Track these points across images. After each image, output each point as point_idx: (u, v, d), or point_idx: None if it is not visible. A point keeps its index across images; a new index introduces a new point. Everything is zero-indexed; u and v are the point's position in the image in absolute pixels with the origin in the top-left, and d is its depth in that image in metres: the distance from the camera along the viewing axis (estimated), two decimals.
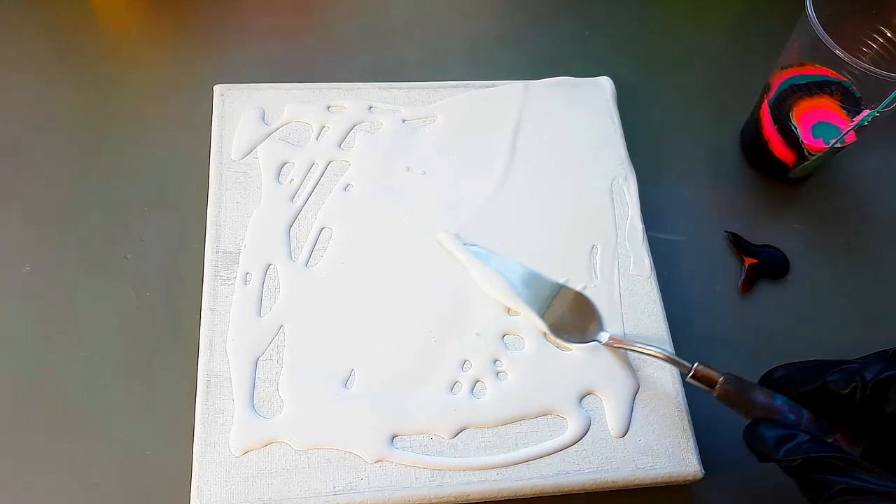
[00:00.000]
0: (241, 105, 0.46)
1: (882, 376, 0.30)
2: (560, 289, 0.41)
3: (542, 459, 0.37)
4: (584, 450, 0.37)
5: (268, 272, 0.40)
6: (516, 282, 0.40)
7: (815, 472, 0.29)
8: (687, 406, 0.39)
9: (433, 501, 0.36)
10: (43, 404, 0.38)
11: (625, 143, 0.47)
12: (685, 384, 0.39)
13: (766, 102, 0.47)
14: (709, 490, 0.39)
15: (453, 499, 0.36)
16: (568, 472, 0.37)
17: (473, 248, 0.41)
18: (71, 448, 0.37)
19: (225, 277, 0.40)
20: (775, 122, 0.47)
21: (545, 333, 0.40)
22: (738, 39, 0.57)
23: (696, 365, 0.35)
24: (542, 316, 0.40)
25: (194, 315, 0.40)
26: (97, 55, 0.50)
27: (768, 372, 0.34)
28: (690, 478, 0.37)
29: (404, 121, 0.46)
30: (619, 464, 0.37)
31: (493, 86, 0.48)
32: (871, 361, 0.31)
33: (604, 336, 0.39)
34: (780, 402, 0.33)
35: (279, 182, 0.43)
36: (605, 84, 0.49)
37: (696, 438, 0.38)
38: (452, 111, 0.47)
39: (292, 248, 0.41)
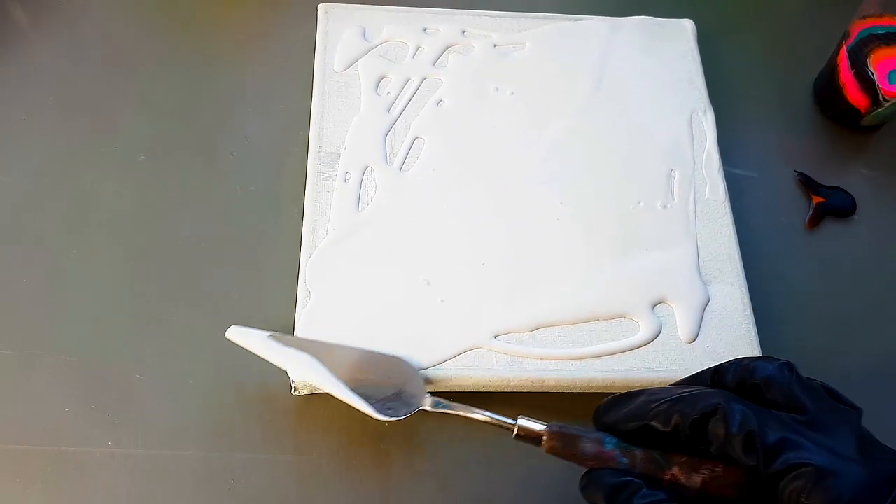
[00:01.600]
0: (343, 23, 0.49)
1: (698, 413, 0.29)
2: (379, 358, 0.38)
3: (614, 356, 0.39)
4: (655, 351, 0.40)
5: (365, 173, 0.43)
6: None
7: None
8: (754, 320, 0.41)
9: (512, 384, 0.39)
10: (157, 280, 0.42)
11: (704, 82, 0.49)
12: (752, 301, 0.42)
13: (844, 48, 0.49)
14: None
15: (530, 384, 0.39)
16: (639, 369, 0.39)
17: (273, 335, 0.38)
18: (181, 316, 0.41)
19: (326, 174, 0.43)
20: (852, 67, 0.48)
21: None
22: None
23: (518, 421, 0.33)
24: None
25: (295, 209, 0.43)
26: None
27: (596, 411, 0.33)
28: None
29: (495, 45, 0.49)
30: (687, 365, 0.39)
31: (579, 19, 0.51)
32: (693, 393, 0.30)
33: (426, 401, 0.36)
34: (610, 447, 0.31)
35: (377, 93, 0.46)
36: (687, 26, 0.51)
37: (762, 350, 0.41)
38: (541, 40, 0.49)
39: (388, 153, 0.44)
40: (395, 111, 0.46)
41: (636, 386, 0.39)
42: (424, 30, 0.49)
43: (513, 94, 0.47)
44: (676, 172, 0.45)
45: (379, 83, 0.47)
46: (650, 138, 0.46)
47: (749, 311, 0.41)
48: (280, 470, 0.38)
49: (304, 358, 0.37)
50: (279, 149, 0.46)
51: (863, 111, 0.49)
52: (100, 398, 0.39)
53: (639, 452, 0.31)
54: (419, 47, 0.48)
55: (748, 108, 0.51)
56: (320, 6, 0.49)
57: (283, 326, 0.39)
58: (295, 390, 0.38)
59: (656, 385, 0.38)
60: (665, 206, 0.44)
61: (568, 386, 0.39)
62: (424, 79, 0.47)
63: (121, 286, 0.42)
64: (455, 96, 0.47)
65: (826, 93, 0.52)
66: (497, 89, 0.47)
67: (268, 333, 0.37)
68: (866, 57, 0.48)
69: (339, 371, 0.36)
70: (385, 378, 0.37)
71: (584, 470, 0.31)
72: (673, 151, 0.46)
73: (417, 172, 0.44)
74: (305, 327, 0.38)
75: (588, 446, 0.31)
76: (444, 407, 0.36)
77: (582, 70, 0.48)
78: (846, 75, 0.49)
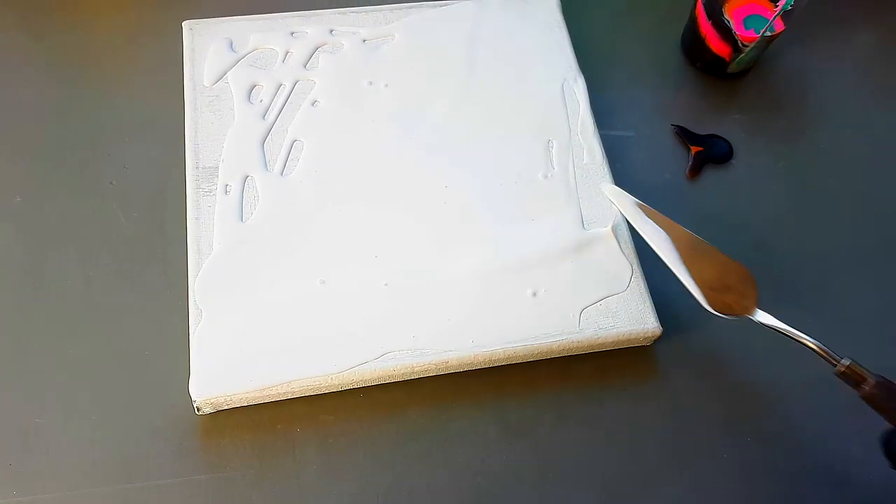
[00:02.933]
0: (209, 37, 0.48)
1: None
2: (720, 257, 0.40)
3: (509, 328, 0.40)
4: (545, 315, 0.41)
5: (246, 182, 0.43)
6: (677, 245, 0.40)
7: None
8: (642, 271, 0.42)
9: (416, 370, 0.39)
10: (47, 316, 0.41)
11: (572, 50, 0.50)
12: (641, 255, 0.43)
13: (700, 1, 0.51)
14: (667, 349, 0.43)
15: (434, 367, 0.39)
16: (536, 337, 0.40)
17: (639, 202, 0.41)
18: (75, 352, 0.40)
19: (206, 189, 0.43)
20: (710, 18, 0.50)
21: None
22: None
23: (846, 362, 0.35)
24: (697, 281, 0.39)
25: (180, 229, 0.42)
26: (66, 2, 0.52)
27: None
28: (650, 335, 0.41)
29: (364, 40, 0.49)
30: (583, 325, 0.40)
31: (445, 5, 0.51)
32: None
33: (762, 316, 0.38)
34: None
35: (250, 102, 0.46)
36: None
37: (654, 302, 0.42)
38: (409, 29, 0.50)
39: (267, 160, 0.44)
40: (271, 117, 0.46)
41: (536, 354, 0.40)
42: (292, 34, 0.49)
43: (387, 86, 0.47)
44: (554, 142, 0.46)
45: (251, 92, 0.46)
46: (525, 112, 0.47)
47: (637, 266, 0.42)
48: (195, 491, 0.38)
49: (662, 235, 0.40)
50: (159, 171, 0.46)
51: (727, 59, 0.51)
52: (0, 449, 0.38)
53: None
54: (288, 52, 0.48)
55: (620, 71, 0.53)
56: (184, 23, 0.49)
57: (178, 349, 0.39)
58: (198, 410, 0.38)
59: (554, 352, 0.40)
60: (546, 177, 0.45)
61: (469, 364, 0.40)
62: (297, 82, 0.47)
63: (9, 331, 0.41)
64: (329, 95, 0.47)
65: (691, 46, 0.53)
66: (371, 83, 0.47)
67: (635, 200, 0.41)
68: (721, 6, 0.49)
69: (686, 256, 0.39)
70: (720, 276, 0.39)
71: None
72: (548, 122, 0.47)
73: (299, 175, 0.44)
74: (199, 346, 0.38)
75: None
76: (774, 325, 0.37)
77: (452, 54, 0.49)
78: (706, 26, 0.51)
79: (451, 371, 0.40)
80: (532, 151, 0.46)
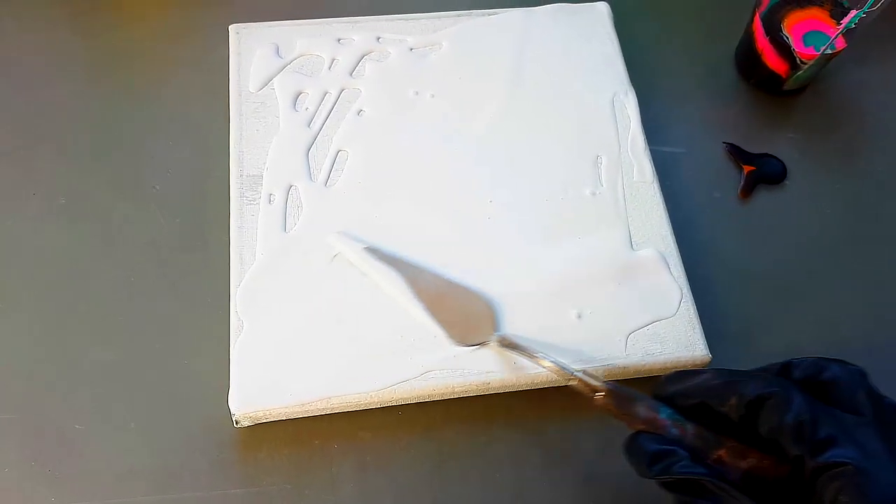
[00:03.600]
0: (255, 42, 0.48)
1: (755, 395, 0.29)
2: (460, 291, 0.40)
3: (553, 350, 0.39)
4: (593, 339, 0.40)
5: (290, 192, 0.43)
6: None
7: (685, 493, 0.29)
8: (692, 295, 0.41)
9: (456, 390, 0.38)
10: (86, 320, 0.41)
11: (623, 63, 0.49)
12: (690, 277, 0.42)
13: (757, 16, 0.49)
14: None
15: (475, 387, 0.38)
16: (581, 360, 0.39)
17: (369, 247, 0.40)
18: (114, 358, 0.40)
19: (250, 198, 0.42)
20: (767, 34, 0.49)
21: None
22: None
23: (578, 373, 0.35)
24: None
25: (222, 236, 0.42)
26: (112, 4, 0.52)
27: (659, 382, 0.33)
28: (699, 362, 0.40)
29: (411, 49, 0.48)
30: (630, 350, 0.39)
31: (493, 14, 0.50)
32: (755, 377, 0.30)
33: (493, 339, 0.38)
34: (664, 415, 0.31)
35: (295, 110, 0.45)
36: (602, 9, 0.51)
37: (703, 327, 0.41)
38: (457, 38, 0.49)
39: (311, 169, 0.44)
40: (316, 126, 0.45)
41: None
42: (338, 40, 0.48)
43: (433, 96, 0.47)
44: (603, 158, 0.45)
45: (296, 99, 0.46)
46: (574, 126, 0.46)
47: (687, 290, 0.41)
48: None
49: (394, 275, 0.40)
50: (202, 177, 0.45)
51: (783, 76, 0.50)
52: (39, 454, 0.38)
53: (690, 427, 0.31)
54: (334, 59, 0.47)
55: (671, 85, 0.52)
56: (231, 27, 0.48)
57: (218, 359, 0.39)
58: (237, 423, 0.38)
59: (599, 373, 0.39)
60: (594, 194, 0.44)
61: (512, 385, 0.39)
62: (343, 90, 0.46)
63: (50, 335, 0.41)
64: (375, 105, 0.46)
65: (746, 61, 0.52)
66: (417, 93, 0.47)
67: (364, 245, 0.40)
68: (780, 22, 0.48)
69: (422, 293, 0.39)
70: (459, 309, 0.39)
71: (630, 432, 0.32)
72: (597, 137, 0.46)
73: (343, 186, 0.43)
74: (240, 358, 0.38)
75: (642, 410, 0.32)
76: (510, 347, 0.38)
77: (500, 64, 0.48)
78: (762, 42, 0.49)
79: (493, 392, 0.39)
80: (580, 167, 0.45)
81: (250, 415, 0.37)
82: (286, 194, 0.43)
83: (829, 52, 0.47)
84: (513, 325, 0.39)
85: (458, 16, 0.50)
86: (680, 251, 0.43)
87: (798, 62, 0.48)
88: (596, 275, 0.41)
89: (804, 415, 0.28)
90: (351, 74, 0.47)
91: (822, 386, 0.30)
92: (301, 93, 0.46)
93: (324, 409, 0.38)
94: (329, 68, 0.47)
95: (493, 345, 0.38)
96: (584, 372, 0.35)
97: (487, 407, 0.40)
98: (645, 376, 0.40)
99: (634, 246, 0.42)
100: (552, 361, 0.36)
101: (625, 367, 0.39)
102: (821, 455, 0.27)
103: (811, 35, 0.47)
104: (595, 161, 0.45)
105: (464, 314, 0.39)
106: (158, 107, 0.48)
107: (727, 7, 0.55)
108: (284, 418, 0.38)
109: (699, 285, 0.42)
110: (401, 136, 0.45)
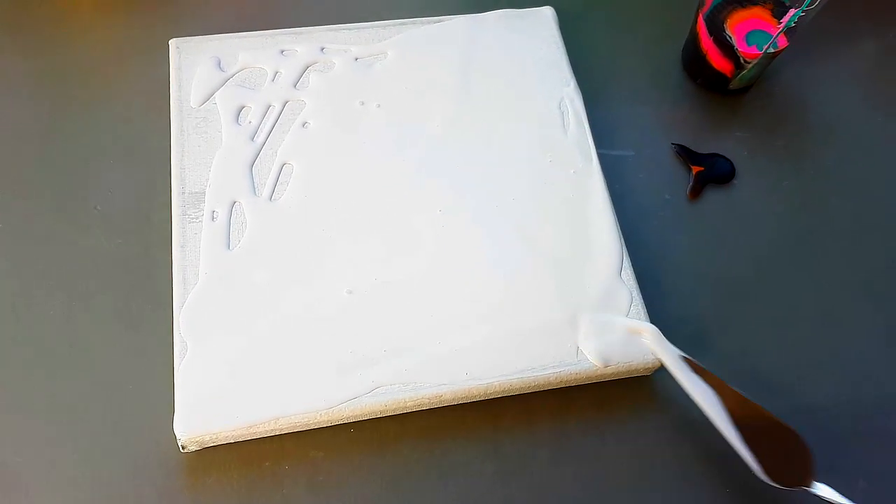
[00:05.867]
0: (196, 56, 0.47)
1: None
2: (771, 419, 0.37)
3: (504, 359, 0.39)
4: (544, 346, 0.39)
5: (234, 208, 0.42)
6: None
7: None
8: (643, 299, 0.41)
9: (409, 405, 0.38)
10: (26, 345, 0.40)
11: (570, 67, 0.49)
12: (641, 279, 0.42)
13: (700, 16, 0.49)
14: (668, 378, 0.41)
15: (427, 401, 0.38)
16: (532, 368, 0.39)
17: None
18: (56, 385, 0.39)
19: (192, 216, 0.41)
20: (711, 34, 0.49)
21: None
22: None
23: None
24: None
25: (165, 256, 0.41)
26: (51, 21, 0.51)
27: None
28: (651, 366, 0.40)
29: (356, 59, 0.48)
30: (581, 357, 0.39)
31: (438, 21, 0.50)
32: None
33: (823, 490, 0.36)
34: None
35: (238, 124, 0.45)
36: (547, 13, 0.51)
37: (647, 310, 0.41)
38: (402, 46, 0.48)
39: (255, 184, 0.43)
40: (259, 139, 0.44)
41: (533, 386, 0.39)
42: (282, 52, 0.47)
43: (379, 106, 0.46)
44: (552, 162, 0.45)
45: (239, 113, 0.45)
46: (522, 131, 0.46)
47: (637, 294, 0.41)
48: None
49: (708, 390, 0.37)
50: (145, 196, 0.44)
51: (728, 75, 0.50)
52: None
53: None
54: (277, 71, 0.47)
55: (619, 87, 0.52)
56: (171, 41, 0.47)
57: (163, 383, 0.38)
58: (183, 448, 0.37)
59: (555, 384, 0.38)
60: (543, 198, 0.43)
61: (464, 397, 0.38)
62: (287, 102, 0.46)
63: None
64: (320, 116, 0.45)
65: (692, 62, 0.52)
66: (363, 103, 0.46)
67: (679, 353, 0.38)
68: (723, 22, 0.48)
69: (735, 418, 0.37)
70: (772, 441, 0.37)
71: None
72: (546, 141, 0.46)
73: (288, 200, 0.43)
74: (184, 381, 0.37)
75: None
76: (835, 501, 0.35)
77: (447, 72, 0.48)
78: (707, 42, 0.49)
79: (446, 405, 0.39)
80: (529, 172, 0.44)
81: (196, 439, 0.36)
82: (230, 211, 0.42)
83: (771, 50, 0.47)
84: (463, 336, 0.39)
85: (403, 24, 0.50)
86: (630, 254, 0.42)
87: (742, 62, 0.48)
88: (544, 278, 0.41)
89: None
90: (295, 86, 0.46)
91: None
92: (244, 106, 0.45)
93: (272, 430, 0.37)
94: (272, 80, 0.46)
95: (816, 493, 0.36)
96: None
97: (441, 420, 0.39)
98: (597, 381, 0.40)
99: (582, 242, 0.42)
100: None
101: (577, 374, 0.39)
102: None
103: (754, 34, 0.48)
104: (544, 165, 0.45)
105: (779, 450, 0.37)
106: (100, 125, 0.47)
107: (673, 8, 0.55)
108: (232, 441, 0.37)
109: (650, 288, 0.42)
110: (347, 148, 0.44)
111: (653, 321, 0.40)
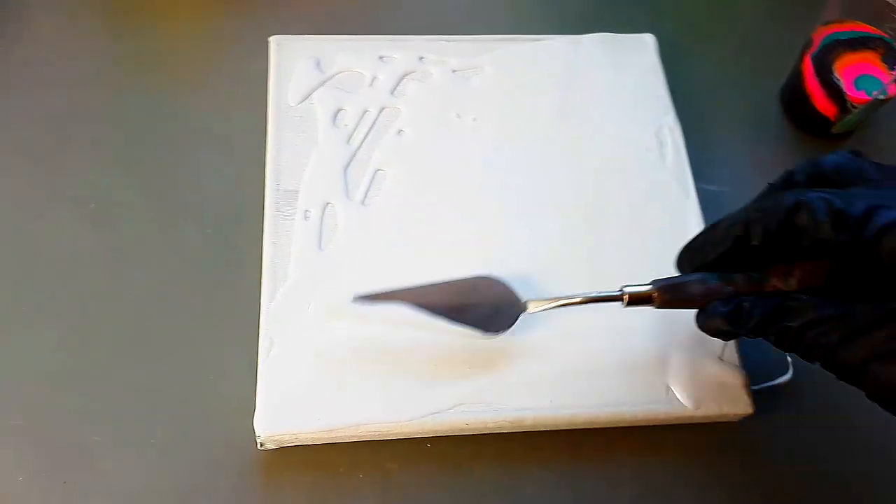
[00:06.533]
0: (296, 55, 0.47)
1: (783, 215, 0.30)
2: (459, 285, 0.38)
3: (592, 391, 0.38)
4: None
5: (326, 209, 0.42)
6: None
7: (774, 325, 0.31)
8: (736, 343, 0.40)
9: (489, 425, 0.37)
10: (111, 330, 0.40)
11: (669, 96, 0.48)
12: None
13: (808, 56, 0.48)
14: (756, 427, 0.40)
15: (508, 424, 0.37)
16: (620, 404, 0.38)
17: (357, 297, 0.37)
18: (137, 371, 0.39)
19: (285, 213, 0.41)
20: (818, 76, 0.48)
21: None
22: (774, 3, 0.58)
23: (624, 289, 0.35)
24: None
25: (254, 250, 0.41)
26: (150, 9, 0.52)
27: (681, 258, 0.35)
28: (741, 413, 0.38)
29: (454, 71, 0.47)
30: (671, 396, 0.38)
31: (537, 40, 0.49)
32: (768, 202, 0.32)
33: (532, 305, 0.37)
34: (713, 281, 0.33)
35: (335, 126, 0.45)
36: (648, 41, 0.50)
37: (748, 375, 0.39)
38: (501, 62, 0.48)
39: (349, 187, 0.43)
40: (355, 143, 0.44)
41: (618, 422, 0.38)
42: (380, 58, 0.47)
43: (475, 119, 0.46)
44: (647, 190, 0.44)
45: (336, 115, 0.45)
46: (617, 158, 0.45)
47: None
48: None
49: (397, 308, 0.36)
50: (236, 189, 0.44)
51: (832, 119, 0.49)
52: (55, 464, 0.37)
53: (738, 277, 0.33)
54: (375, 76, 0.47)
55: (716, 121, 0.51)
56: (271, 39, 0.48)
57: (245, 378, 0.37)
58: (261, 445, 0.36)
59: (641, 421, 0.37)
60: (638, 226, 0.43)
61: (546, 424, 0.37)
62: (383, 108, 0.46)
63: (73, 342, 0.40)
64: (415, 125, 0.45)
65: (794, 102, 0.51)
66: (459, 116, 0.46)
67: (352, 299, 0.36)
68: (831, 64, 0.47)
69: (434, 307, 0.36)
70: (479, 298, 0.37)
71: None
72: (642, 171, 0.45)
73: (380, 206, 0.42)
74: (268, 378, 0.37)
75: (695, 287, 0.33)
76: (545, 307, 0.36)
77: (544, 91, 0.47)
78: (812, 83, 0.48)
79: (525, 430, 0.38)
80: (623, 199, 0.44)
81: (276, 437, 0.36)
82: (322, 211, 0.42)
83: (881, 97, 0.46)
84: (551, 362, 0.38)
85: (502, 40, 0.49)
86: None
87: (848, 106, 0.47)
88: (637, 312, 0.40)
89: (836, 205, 0.29)
90: (392, 93, 0.46)
91: (826, 177, 0.32)
92: (341, 109, 0.45)
93: (351, 436, 0.37)
94: (370, 85, 0.46)
95: (530, 311, 0.37)
96: (627, 286, 0.35)
97: (518, 445, 0.38)
98: (683, 423, 0.39)
99: None
100: (594, 295, 0.35)
101: (666, 414, 0.38)
102: (867, 228, 0.29)
103: (862, 79, 0.46)
104: (639, 196, 0.44)
105: (485, 304, 0.37)
106: (194, 115, 0.47)
107: (775, 44, 0.54)
108: (310, 443, 0.37)
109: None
110: (441, 159, 0.44)
111: (748, 365, 0.39)
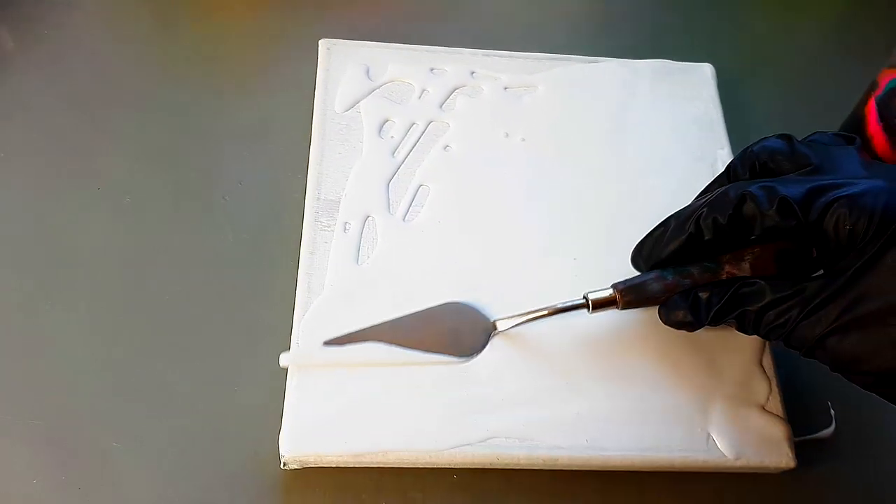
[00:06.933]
0: (345, 60, 0.46)
1: (731, 209, 0.32)
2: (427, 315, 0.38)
3: (629, 433, 0.36)
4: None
5: (366, 223, 0.40)
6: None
7: (733, 311, 0.33)
8: (781, 393, 0.38)
9: (521, 462, 0.36)
10: (137, 330, 0.39)
11: (725, 129, 0.46)
12: (778, 367, 0.39)
13: (872, 99, 0.46)
14: (796, 481, 0.38)
15: (541, 462, 0.36)
16: (657, 448, 0.36)
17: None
18: (161, 376, 0.38)
19: (325, 224, 0.40)
20: (881, 120, 0.46)
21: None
22: (837, 39, 0.56)
23: (587, 295, 0.36)
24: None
25: (290, 259, 0.40)
26: (203, 6, 0.51)
27: (635, 256, 0.37)
28: (783, 466, 0.37)
29: (505, 88, 0.46)
30: (710, 444, 0.36)
31: (593, 62, 0.48)
32: (715, 196, 0.33)
33: (501, 324, 0.37)
34: (670, 277, 0.34)
35: (380, 137, 0.43)
36: (707, 71, 0.49)
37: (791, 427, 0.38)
38: (554, 83, 0.47)
39: (391, 201, 0.41)
40: (400, 156, 0.43)
41: (655, 467, 0.36)
42: (431, 70, 0.46)
43: (524, 140, 0.44)
44: None
45: (382, 126, 0.44)
46: (669, 189, 0.43)
47: (777, 386, 0.38)
48: None
49: (365, 347, 0.36)
50: (275, 194, 0.43)
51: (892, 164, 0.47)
52: (72, 468, 0.35)
53: (694, 269, 0.34)
54: (425, 89, 0.45)
55: None
56: (321, 42, 0.47)
57: (272, 390, 0.36)
58: (284, 465, 0.35)
59: (678, 468, 0.36)
60: None
61: (580, 465, 0.36)
62: (431, 122, 0.44)
63: (98, 343, 0.39)
64: (463, 142, 0.44)
65: None
66: (507, 135, 0.44)
67: (322, 343, 0.36)
68: None
69: (405, 341, 0.37)
70: (448, 325, 0.38)
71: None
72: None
73: (422, 223, 0.41)
74: (297, 395, 0.35)
75: (654, 285, 0.35)
76: (513, 325, 0.37)
77: (596, 115, 0.46)
78: (874, 127, 0.46)
79: (558, 468, 0.36)
80: None
81: (300, 458, 0.35)
82: (362, 225, 0.40)
83: None
84: (588, 400, 0.37)
85: (556, 59, 0.48)
86: None
87: None
88: (680, 353, 0.38)
89: (777, 193, 0.31)
90: (441, 107, 0.45)
91: (764, 165, 0.34)
92: (387, 120, 0.44)
93: (378, 462, 0.35)
94: (419, 97, 0.45)
95: (499, 333, 0.37)
96: (589, 291, 0.36)
97: (549, 483, 0.37)
98: (720, 471, 0.37)
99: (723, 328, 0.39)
100: (557, 306, 0.36)
101: (704, 462, 0.36)
102: (811, 211, 0.30)
103: None
104: None
105: (454, 329, 0.37)
106: (236, 114, 0.46)
107: (835, 81, 0.52)
108: (334, 465, 0.36)
109: (790, 379, 0.39)
110: (486, 179, 0.43)
111: (791, 416, 0.38)
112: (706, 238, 0.33)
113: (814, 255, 0.33)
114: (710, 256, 0.34)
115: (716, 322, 0.33)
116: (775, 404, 0.38)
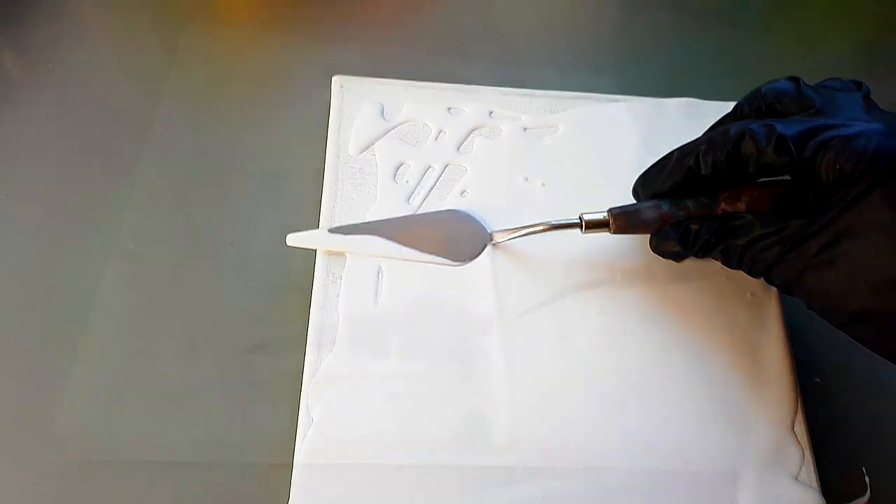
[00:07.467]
0: (359, 98, 0.44)
1: (730, 146, 0.33)
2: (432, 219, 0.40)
3: (654, 499, 0.35)
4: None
5: (380, 274, 0.39)
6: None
7: (720, 244, 0.34)
8: (815, 461, 0.36)
9: None
10: (138, 383, 0.37)
11: None
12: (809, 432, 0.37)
13: None
14: None
15: None
16: None
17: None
18: (167, 433, 0.36)
19: (336, 275, 0.39)
20: None
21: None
22: (858, 74, 0.54)
23: (582, 216, 0.37)
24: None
25: (300, 310, 0.38)
26: (214, 39, 0.49)
27: (636, 186, 0.38)
28: None
29: (525, 129, 0.44)
30: None
31: (616, 100, 0.46)
32: (716, 133, 0.34)
33: (497, 235, 0.39)
34: (665, 207, 0.36)
35: (395, 182, 0.42)
36: None
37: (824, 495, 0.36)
38: (575, 122, 0.45)
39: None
40: (415, 202, 0.41)
41: None
42: (449, 110, 0.44)
43: (544, 185, 0.43)
44: (727, 279, 0.41)
45: (398, 170, 0.42)
46: None
47: (810, 454, 0.36)
48: None
49: (367, 238, 0.38)
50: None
51: None
52: None
53: (689, 203, 0.35)
54: (442, 130, 0.44)
55: None
56: (335, 78, 0.45)
57: (282, 448, 0.35)
58: None
59: None
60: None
61: None
62: (447, 165, 0.43)
63: (97, 393, 0.37)
64: (480, 187, 0.42)
65: None
66: (527, 179, 0.43)
67: (326, 230, 0.39)
68: None
69: (403, 238, 0.38)
70: (447, 230, 0.39)
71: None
72: None
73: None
74: (306, 462, 0.34)
75: (649, 213, 0.36)
76: (510, 237, 0.39)
77: (620, 157, 0.44)
78: None
79: None
80: (701, 287, 0.40)
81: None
82: (377, 277, 0.39)
83: None
84: (613, 467, 0.35)
85: (577, 98, 0.46)
86: (805, 400, 0.38)
87: None
88: (709, 418, 0.37)
89: (775, 131, 0.31)
90: (458, 149, 0.43)
91: (771, 106, 0.35)
92: (403, 163, 0.42)
93: None
94: (436, 139, 0.43)
95: (496, 241, 0.39)
96: (584, 213, 0.37)
97: None
98: None
99: (753, 382, 0.38)
100: (553, 223, 0.38)
101: None
102: (805, 149, 0.31)
103: None
104: (719, 282, 0.40)
105: (452, 235, 0.39)
106: (245, 154, 0.45)
107: None
108: None
109: (824, 445, 0.37)
110: (504, 225, 0.41)
111: (825, 488, 0.36)
112: (703, 173, 0.34)
113: (811, 201, 0.33)
114: (709, 193, 0.35)
115: (703, 253, 0.35)
116: (809, 475, 0.36)
